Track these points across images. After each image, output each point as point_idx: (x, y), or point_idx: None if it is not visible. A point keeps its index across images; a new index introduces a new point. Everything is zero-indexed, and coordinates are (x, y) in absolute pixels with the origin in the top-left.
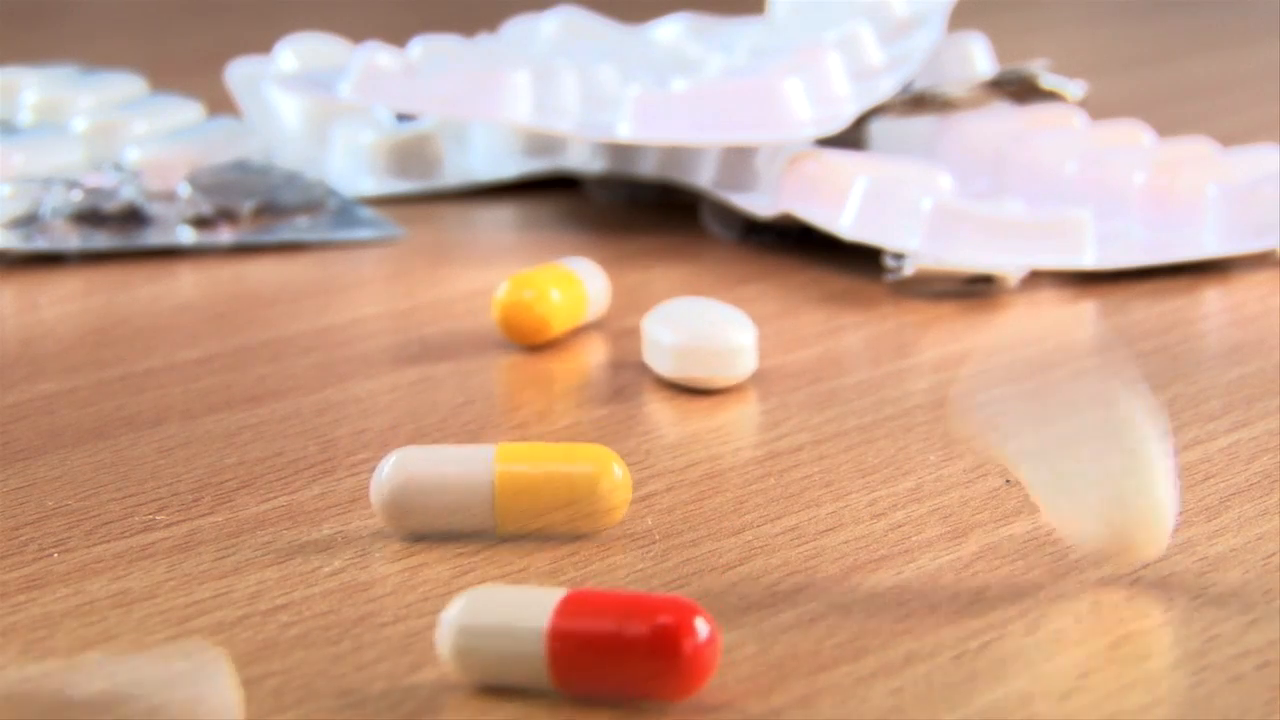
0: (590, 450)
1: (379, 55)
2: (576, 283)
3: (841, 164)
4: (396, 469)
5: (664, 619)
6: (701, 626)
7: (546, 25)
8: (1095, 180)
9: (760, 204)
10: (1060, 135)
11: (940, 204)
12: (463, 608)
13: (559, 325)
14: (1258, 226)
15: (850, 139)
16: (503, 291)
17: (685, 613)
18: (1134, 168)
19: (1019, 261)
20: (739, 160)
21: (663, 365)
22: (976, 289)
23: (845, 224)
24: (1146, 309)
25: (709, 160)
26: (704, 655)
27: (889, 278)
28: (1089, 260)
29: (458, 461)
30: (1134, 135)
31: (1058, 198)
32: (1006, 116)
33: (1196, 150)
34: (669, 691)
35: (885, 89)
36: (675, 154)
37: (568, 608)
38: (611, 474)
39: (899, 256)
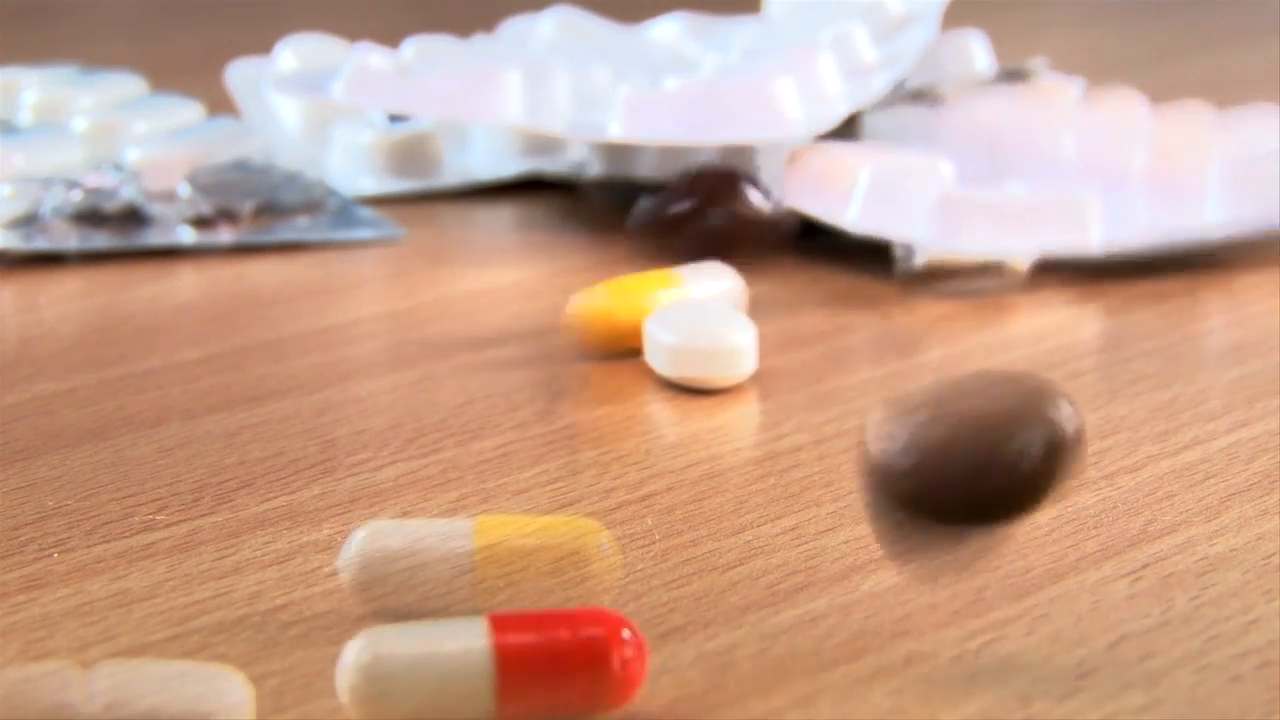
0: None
1: (371, 56)
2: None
3: (844, 157)
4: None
5: (596, 630)
6: (628, 637)
7: (543, 25)
8: (1095, 161)
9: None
10: (1059, 113)
11: (946, 193)
12: (373, 641)
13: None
14: (1263, 206)
15: (844, 132)
16: (585, 300)
17: (613, 623)
18: (1135, 148)
19: (1028, 247)
20: (738, 158)
21: (662, 365)
22: (988, 286)
23: (851, 218)
24: (1147, 309)
25: (708, 158)
26: (634, 663)
27: (899, 270)
28: (1096, 241)
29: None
30: (1129, 104)
31: (1058, 178)
32: (1000, 96)
33: (1195, 120)
34: (609, 698)
35: (877, 87)
36: (673, 153)
37: (501, 625)
38: (599, 551)
39: (908, 249)
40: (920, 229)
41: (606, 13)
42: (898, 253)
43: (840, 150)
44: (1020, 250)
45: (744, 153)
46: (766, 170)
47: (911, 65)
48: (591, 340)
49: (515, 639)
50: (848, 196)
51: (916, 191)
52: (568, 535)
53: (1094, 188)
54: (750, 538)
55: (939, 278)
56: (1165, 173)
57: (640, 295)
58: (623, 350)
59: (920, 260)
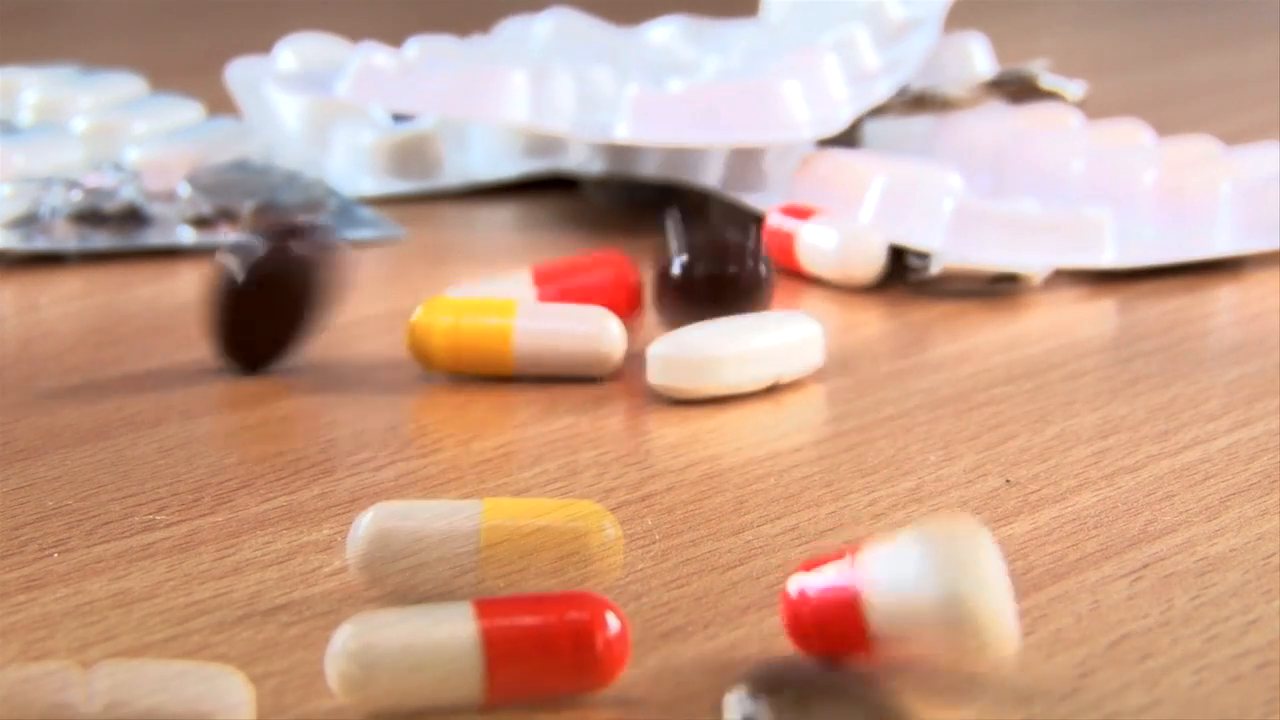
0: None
1: (376, 55)
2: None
3: (856, 163)
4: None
5: (580, 612)
6: (612, 620)
7: (540, 26)
8: (1102, 179)
9: (770, 204)
10: (1064, 134)
11: (962, 203)
12: (361, 627)
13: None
14: (1271, 225)
15: (845, 139)
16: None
17: (596, 605)
18: (1143, 166)
19: (1041, 260)
20: (746, 160)
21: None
22: (1000, 288)
23: (864, 223)
24: (1150, 308)
25: (715, 161)
26: (616, 644)
27: (913, 277)
28: (1109, 259)
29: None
30: (1134, 135)
31: (1063, 197)
32: (1003, 116)
33: (1202, 149)
34: (593, 679)
35: (881, 92)
36: (679, 154)
37: (487, 609)
38: (602, 532)
39: (923, 255)
40: (935, 238)
41: (603, 14)
42: (912, 261)
43: (851, 157)
44: (1034, 263)
45: (754, 154)
46: (776, 173)
47: (914, 71)
48: (430, 359)
49: (501, 622)
50: (859, 202)
51: (930, 200)
52: (570, 531)
53: (1102, 205)
54: (750, 538)
55: (952, 283)
56: (1175, 191)
57: (481, 315)
58: (467, 373)
59: (936, 269)
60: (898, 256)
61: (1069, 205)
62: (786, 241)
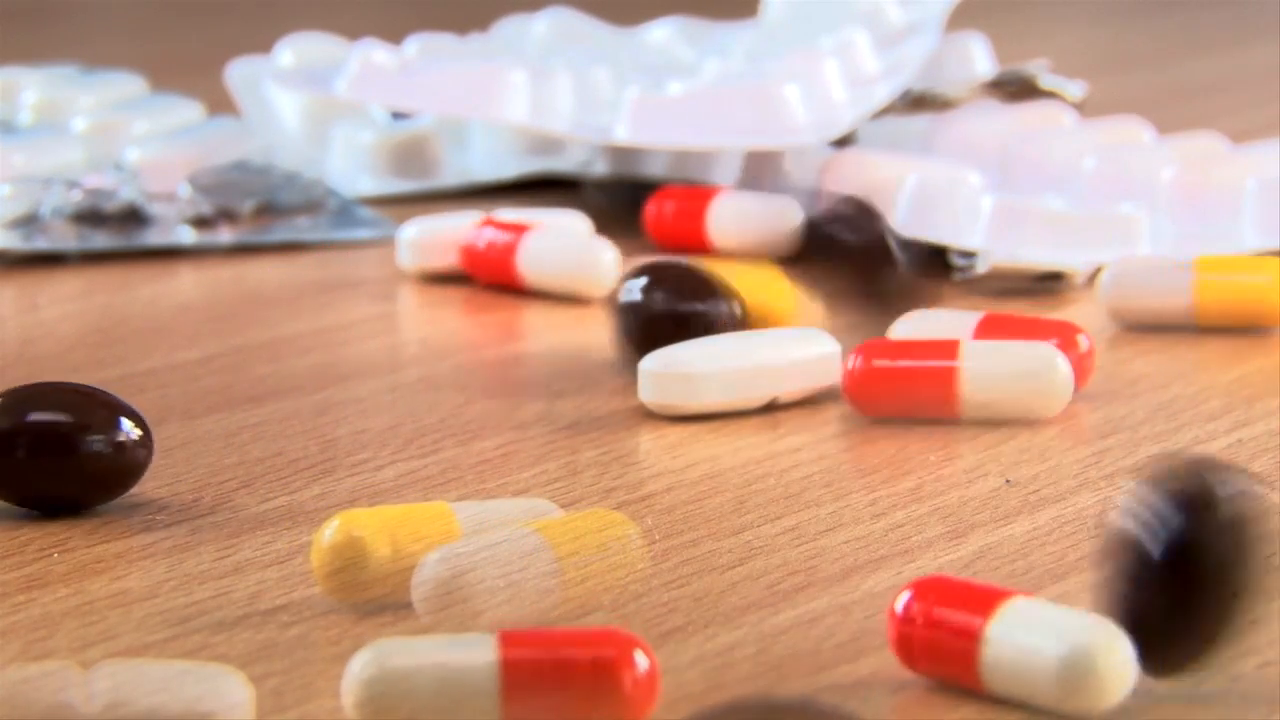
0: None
1: (375, 53)
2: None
3: (886, 163)
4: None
5: (607, 649)
6: (641, 659)
7: (537, 26)
8: (1115, 176)
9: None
10: (1072, 131)
11: (1002, 201)
12: (378, 654)
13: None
14: None
15: (839, 142)
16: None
17: (625, 643)
18: (1160, 163)
19: (1082, 258)
20: (764, 161)
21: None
22: (1044, 286)
23: (898, 221)
24: None
25: (729, 161)
26: (645, 684)
27: (958, 276)
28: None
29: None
30: (1135, 133)
31: (1074, 194)
32: (998, 115)
33: (1211, 146)
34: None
35: (881, 96)
36: (689, 154)
37: (509, 641)
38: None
39: (968, 254)
40: (973, 235)
41: (602, 14)
42: (956, 260)
43: (879, 156)
44: (1079, 261)
45: (773, 155)
46: (798, 172)
47: (914, 75)
48: (345, 587)
49: (523, 654)
50: (893, 201)
51: (967, 199)
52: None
53: (1117, 203)
54: (750, 538)
55: (995, 282)
56: (1197, 187)
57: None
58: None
59: (984, 268)
60: (939, 254)
61: (1083, 203)
62: (694, 219)
